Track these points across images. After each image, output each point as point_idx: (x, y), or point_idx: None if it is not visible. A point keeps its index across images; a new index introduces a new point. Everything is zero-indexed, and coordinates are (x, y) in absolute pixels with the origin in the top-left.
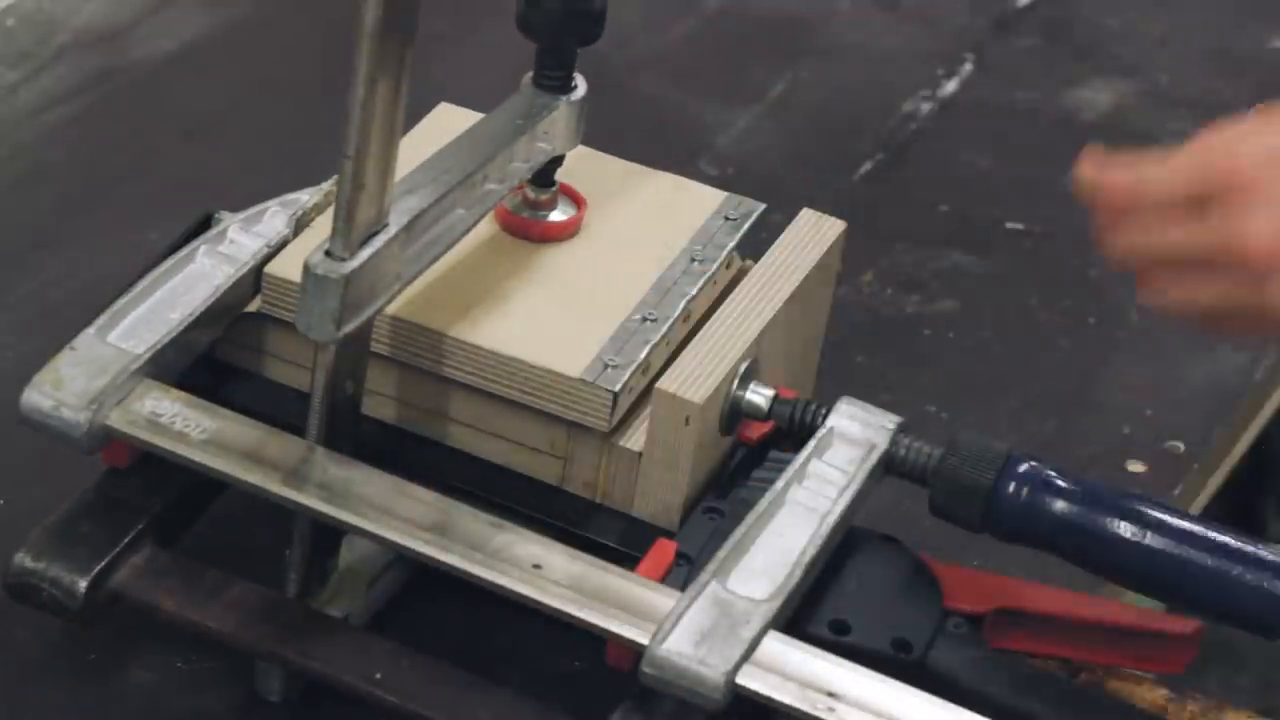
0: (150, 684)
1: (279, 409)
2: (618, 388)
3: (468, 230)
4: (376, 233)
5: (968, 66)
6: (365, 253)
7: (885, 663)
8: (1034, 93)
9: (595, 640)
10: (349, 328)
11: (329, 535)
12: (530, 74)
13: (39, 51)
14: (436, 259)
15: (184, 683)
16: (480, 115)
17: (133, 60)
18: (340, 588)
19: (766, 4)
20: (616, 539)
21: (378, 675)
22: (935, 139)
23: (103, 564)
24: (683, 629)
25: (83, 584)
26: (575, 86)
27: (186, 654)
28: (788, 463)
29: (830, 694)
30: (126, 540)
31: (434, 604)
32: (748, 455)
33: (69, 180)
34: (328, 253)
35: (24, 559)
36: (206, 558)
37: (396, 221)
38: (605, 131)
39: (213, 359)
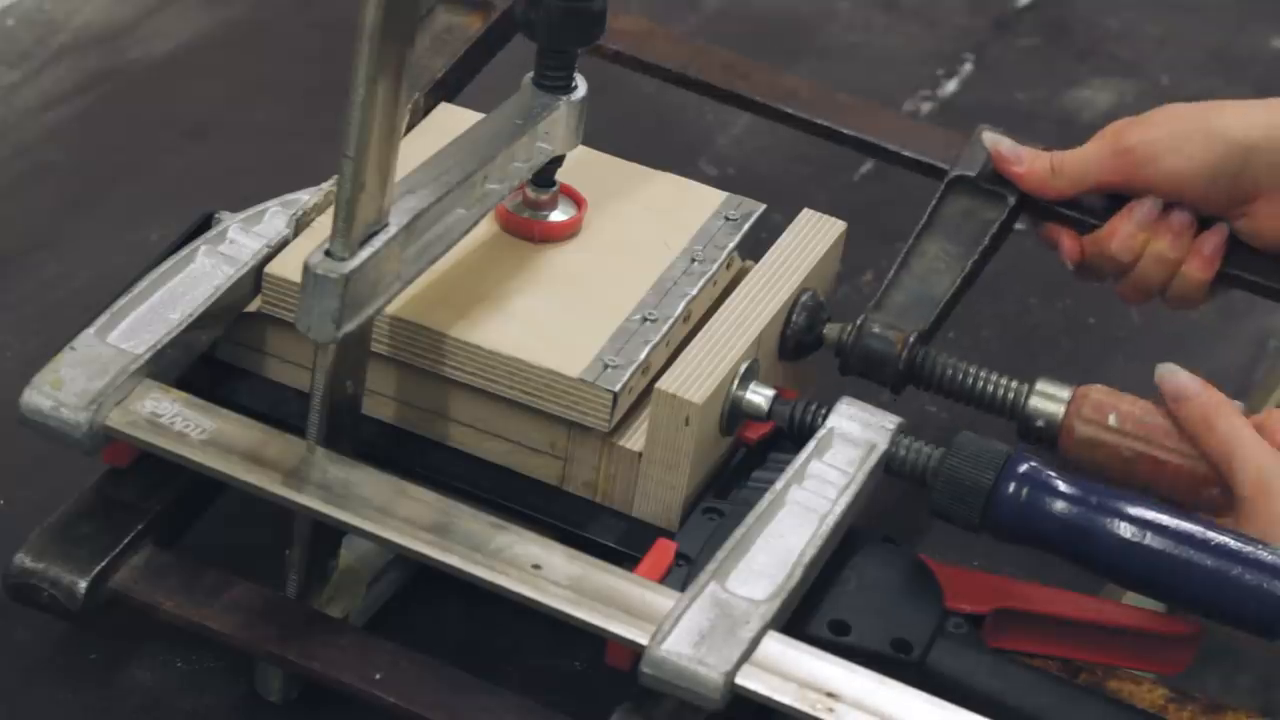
0: (150, 684)
1: (279, 409)
2: (617, 388)
3: (468, 230)
4: (376, 232)
5: (968, 66)
6: (365, 253)
7: (885, 663)
8: (1034, 93)
9: (595, 640)
10: (349, 328)
11: (329, 536)
12: (531, 74)
13: (39, 51)
14: (437, 259)
15: (184, 682)
16: (481, 115)
17: (133, 60)
18: (340, 588)
19: (766, 4)
20: (616, 539)
21: (377, 676)
22: None
23: (103, 564)
24: (682, 629)
25: (83, 585)
26: (576, 87)
27: (187, 654)
28: (786, 463)
29: (829, 694)
30: (126, 540)
31: (434, 604)
32: (748, 455)
33: (69, 180)
34: (328, 252)
35: (24, 559)
36: (206, 558)
37: (397, 221)
38: (605, 131)
39: (213, 359)
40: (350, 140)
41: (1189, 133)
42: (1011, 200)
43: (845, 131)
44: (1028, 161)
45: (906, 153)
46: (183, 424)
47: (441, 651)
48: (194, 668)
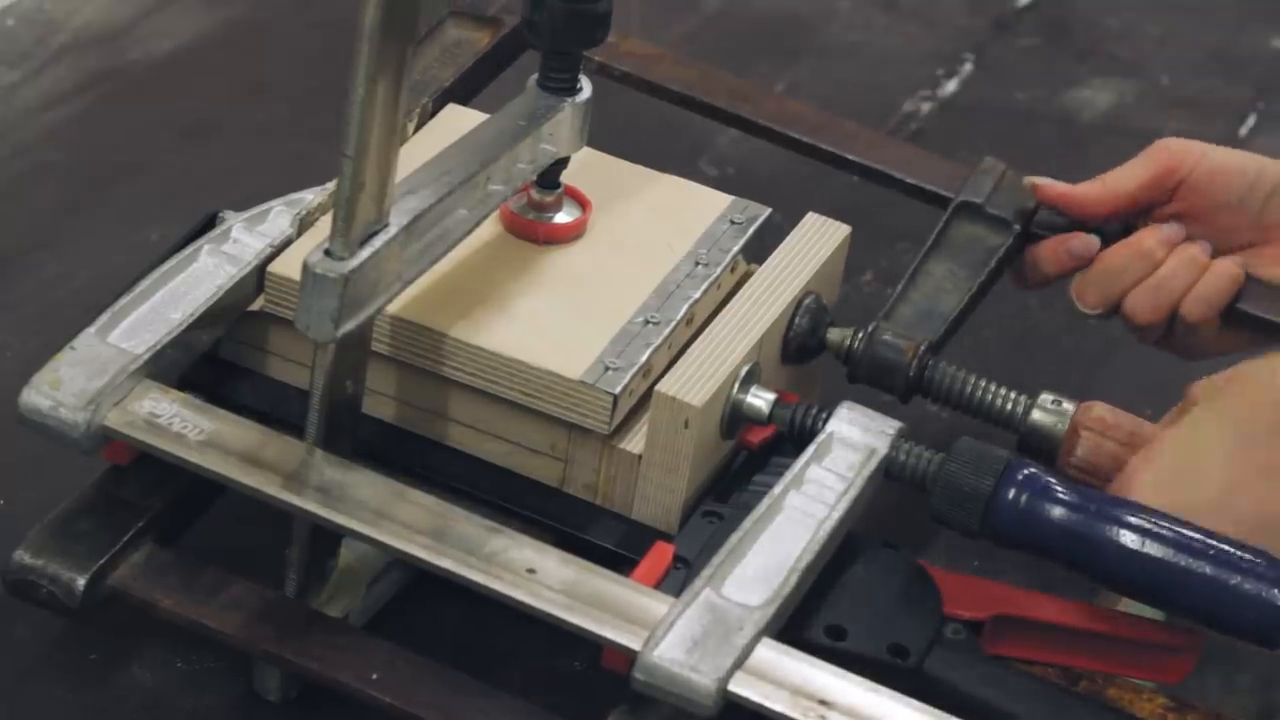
0: (150, 683)
1: (282, 407)
2: (617, 390)
3: (470, 231)
4: (376, 232)
5: (968, 66)
6: (365, 252)
7: (881, 669)
8: (1034, 93)
9: (595, 642)
10: (347, 327)
11: (328, 536)
12: (535, 76)
13: (39, 51)
14: (438, 259)
15: (184, 682)
16: (485, 115)
17: (133, 60)
18: (340, 587)
19: (767, 4)
20: (616, 542)
21: (374, 676)
22: (935, 139)
23: (102, 561)
24: (675, 635)
25: (81, 581)
26: (580, 89)
27: (187, 654)
28: (787, 467)
29: (822, 702)
30: (126, 538)
31: (434, 604)
32: (750, 459)
33: (69, 180)
34: (327, 252)
35: (23, 555)
36: (207, 557)
37: (397, 221)
38: (606, 131)
39: (216, 358)
40: (350, 140)
41: (1228, 148)
42: (1017, 227)
43: (850, 158)
44: (1072, 186)
45: (910, 180)
46: (180, 425)
47: (442, 652)
48: (194, 667)
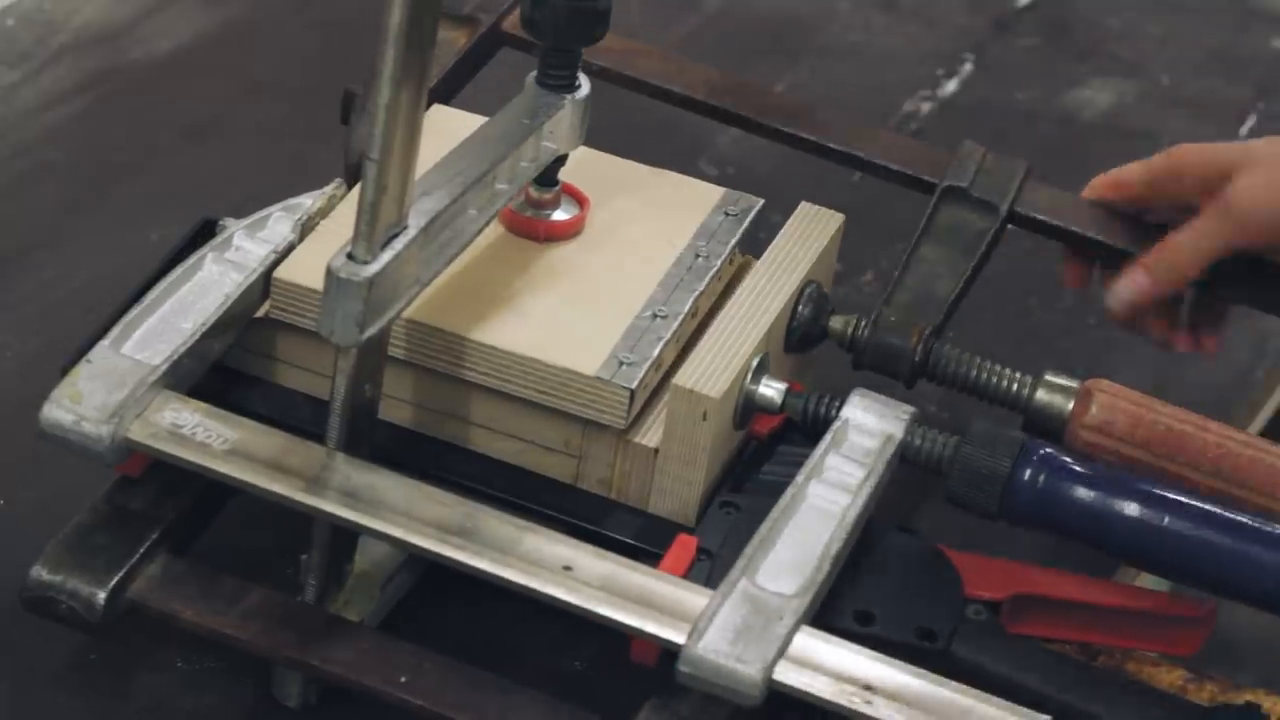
0: (151, 684)
1: (289, 414)
2: (634, 385)
3: (480, 231)
4: (397, 235)
5: (968, 66)
6: (386, 255)
7: (910, 652)
8: (1034, 93)
9: (596, 639)
10: (371, 331)
11: (347, 540)
12: (534, 73)
13: (39, 51)
14: (451, 260)
15: (185, 682)
16: (471, 115)
17: (133, 60)
18: (355, 592)
19: (767, 4)
20: (634, 535)
21: (403, 679)
22: (936, 139)
23: (120, 575)
24: (718, 627)
25: (101, 596)
26: (579, 85)
27: (187, 654)
28: (795, 455)
29: (866, 687)
30: (143, 550)
31: (433, 606)
32: (758, 449)
33: (69, 180)
34: (350, 255)
35: (41, 572)
36: (208, 559)
37: (415, 223)
38: (606, 132)
39: (219, 365)
40: (375, 143)
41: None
42: (1002, 210)
43: (831, 146)
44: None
45: (893, 166)
46: (204, 434)
47: (443, 653)
48: (194, 668)
